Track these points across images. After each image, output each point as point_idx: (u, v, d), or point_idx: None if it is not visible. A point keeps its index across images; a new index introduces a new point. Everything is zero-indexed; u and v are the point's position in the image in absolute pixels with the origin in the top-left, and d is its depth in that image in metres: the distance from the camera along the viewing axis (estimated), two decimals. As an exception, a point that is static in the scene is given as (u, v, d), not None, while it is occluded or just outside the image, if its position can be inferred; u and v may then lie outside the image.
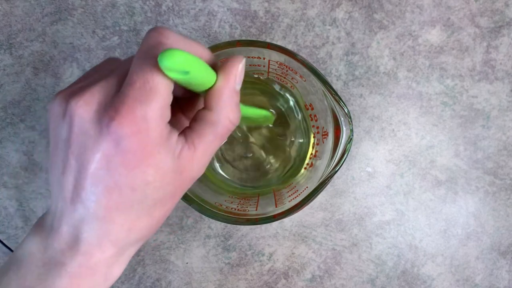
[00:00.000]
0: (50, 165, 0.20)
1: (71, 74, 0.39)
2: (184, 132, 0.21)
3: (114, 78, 0.19)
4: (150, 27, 0.39)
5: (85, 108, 0.18)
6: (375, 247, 0.40)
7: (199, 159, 0.21)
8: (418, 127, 0.40)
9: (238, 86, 0.21)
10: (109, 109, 0.18)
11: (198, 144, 0.20)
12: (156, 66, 0.18)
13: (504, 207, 0.40)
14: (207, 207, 0.29)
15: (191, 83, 0.19)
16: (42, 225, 0.21)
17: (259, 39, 0.39)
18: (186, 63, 0.17)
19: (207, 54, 0.21)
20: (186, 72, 0.18)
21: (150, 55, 0.18)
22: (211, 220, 0.40)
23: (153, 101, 0.18)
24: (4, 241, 0.40)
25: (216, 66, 0.21)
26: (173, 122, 0.23)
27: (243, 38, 0.39)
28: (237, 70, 0.21)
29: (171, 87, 0.19)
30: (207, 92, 0.21)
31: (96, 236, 0.19)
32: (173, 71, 0.17)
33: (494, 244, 0.40)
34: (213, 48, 0.29)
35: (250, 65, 0.32)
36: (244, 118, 0.26)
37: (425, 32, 0.40)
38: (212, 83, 0.20)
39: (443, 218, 0.40)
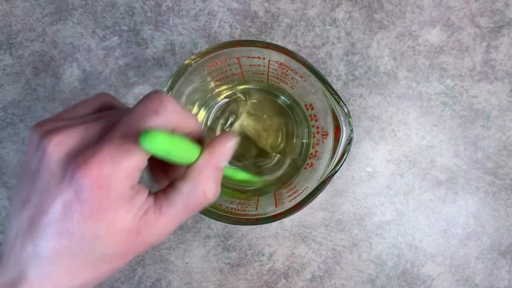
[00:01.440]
0: (14, 191, 0.20)
1: (71, 74, 0.39)
2: (156, 194, 0.20)
3: (98, 126, 0.19)
4: (150, 27, 0.39)
5: (56, 148, 0.18)
6: (375, 247, 0.40)
7: (161, 226, 0.20)
8: (418, 127, 0.40)
9: (223, 164, 0.21)
10: (79, 157, 0.18)
11: (165, 210, 0.20)
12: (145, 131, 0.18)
13: (504, 207, 0.40)
14: (207, 207, 0.29)
15: (172, 160, 0.19)
16: None
17: (259, 39, 0.39)
18: (166, 147, 0.17)
19: (197, 129, 0.21)
20: (167, 153, 0.18)
21: (143, 119, 0.18)
22: (211, 220, 0.40)
23: (125, 163, 0.18)
24: (4, 241, 0.40)
25: (203, 139, 0.22)
26: (155, 177, 0.23)
27: (243, 38, 0.39)
28: (224, 148, 0.21)
29: (149, 155, 0.19)
30: (189, 164, 0.20)
31: (39, 276, 0.19)
32: (153, 151, 0.17)
33: (494, 244, 0.40)
34: (213, 48, 0.29)
35: (250, 65, 0.32)
36: (228, 179, 0.27)
37: (425, 32, 0.40)
38: (194, 159, 0.20)
39: (443, 218, 0.40)
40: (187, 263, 0.40)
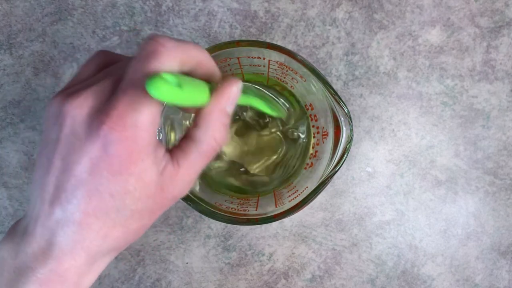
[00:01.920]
0: (36, 166, 0.20)
1: (71, 74, 0.39)
2: (171, 150, 0.21)
3: (109, 83, 0.19)
4: (150, 27, 0.39)
5: (78, 110, 0.18)
6: (375, 247, 0.40)
7: (182, 178, 0.20)
8: (418, 127, 0.40)
9: (230, 108, 0.21)
10: (101, 114, 0.18)
11: (182, 162, 0.20)
12: (150, 74, 0.18)
13: (504, 207, 0.40)
14: (207, 207, 0.29)
15: (183, 105, 0.19)
16: (16, 229, 0.20)
17: (259, 39, 0.39)
18: (172, 92, 0.17)
19: (205, 59, 0.21)
20: (175, 98, 0.17)
21: (145, 63, 0.18)
22: (211, 220, 0.40)
23: (145, 108, 0.18)
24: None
25: (214, 76, 0.21)
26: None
27: (243, 38, 0.39)
28: (231, 92, 0.21)
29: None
30: (198, 110, 0.21)
31: (70, 241, 0.19)
32: (160, 97, 0.17)
33: (494, 244, 0.40)
34: (213, 48, 0.29)
35: (250, 65, 0.32)
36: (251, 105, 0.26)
37: (425, 32, 0.40)
38: (205, 102, 0.20)
39: (443, 218, 0.40)
40: (187, 263, 0.40)
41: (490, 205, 0.40)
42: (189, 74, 0.20)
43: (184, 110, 0.22)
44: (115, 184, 0.18)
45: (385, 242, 0.40)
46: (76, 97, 0.19)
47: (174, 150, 0.21)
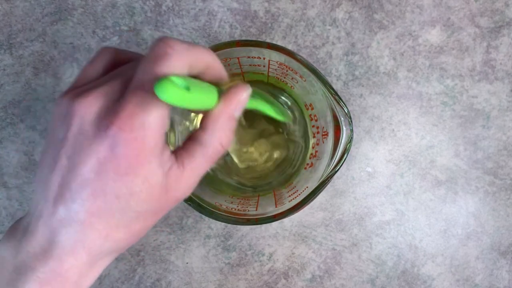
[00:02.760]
0: (39, 164, 0.20)
1: (71, 74, 0.39)
2: (176, 151, 0.21)
3: (118, 83, 0.19)
4: (150, 27, 0.39)
5: (87, 110, 0.18)
6: (375, 247, 0.40)
7: (186, 179, 0.20)
8: (418, 127, 0.40)
9: (237, 113, 0.21)
10: (110, 114, 0.18)
11: (187, 164, 0.20)
12: (159, 77, 0.18)
13: (504, 207, 0.40)
14: (207, 207, 0.29)
15: (191, 108, 0.19)
16: (17, 228, 0.20)
17: (259, 39, 0.39)
18: (181, 94, 0.17)
19: (214, 63, 0.20)
20: (183, 101, 0.17)
21: (155, 65, 0.18)
22: (211, 220, 0.40)
23: (154, 110, 0.18)
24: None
25: (222, 80, 0.21)
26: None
27: (243, 38, 0.39)
28: (240, 97, 0.21)
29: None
30: (206, 112, 0.21)
31: (72, 241, 0.19)
32: (168, 100, 0.17)
33: (494, 244, 0.40)
34: (213, 48, 0.29)
35: (250, 65, 0.32)
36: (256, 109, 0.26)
37: (425, 32, 0.40)
38: (212, 106, 0.20)
39: (443, 218, 0.40)
40: (187, 263, 0.40)
41: (490, 205, 0.40)
42: (197, 77, 0.20)
43: (192, 111, 0.22)
44: (121, 185, 0.18)
45: (385, 242, 0.40)
46: (86, 97, 0.19)
47: (179, 151, 0.21)
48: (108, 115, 0.18)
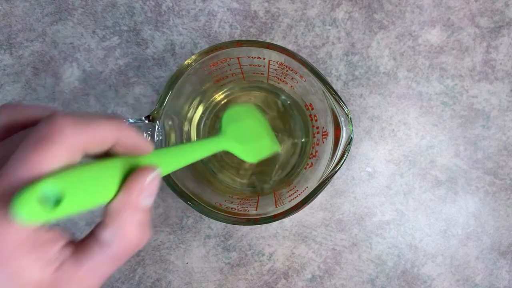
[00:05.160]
0: None
1: (71, 74, 0.40)
2: (78, 243, 0.17)
3: None
4: (150, 27, 0.39)
5: None
6: (375, 247, 0.40)
7: (81, 280, 0.17)
8: (418, 127, 0.40)
9: (146, 202, 0.17)
10: None
11: (83, 263, 0.17)
12: (23, 185, 0.14)
13: (504, 207, 0.40)
14: (207, 207, 0.29)
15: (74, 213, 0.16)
16: None
17: (259, 39, 0.39)
18: (49, 214, 0.14)
19: (125, 136, 0.17)
20: (56, 213, 0.14)
21: (31, 156, 0.15)
22: (211, 220, 0.40)
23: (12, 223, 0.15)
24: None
25: (140, 151, 0.18)
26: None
27: (243, 38, 0.39)
28: (143, 184, 0.17)
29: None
30: (106, 205, 0.17)
31: None
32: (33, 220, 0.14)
33: (494, 244, 0.40)
34: (213, 48, 0.29)
35: (250, 65, 0.32)
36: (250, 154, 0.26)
37: (425, 32, 0.40)
38: (111, 196, 0.17)
39: (443, 218, 0.40)
40: (187, 263, 0.40)
41: (490, 205, 0.40)
42: (106, 153, 0.17)
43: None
44: None
45: (385, 242, 0.40)
46: None
47: (79, 244, 0.17)
48: None
